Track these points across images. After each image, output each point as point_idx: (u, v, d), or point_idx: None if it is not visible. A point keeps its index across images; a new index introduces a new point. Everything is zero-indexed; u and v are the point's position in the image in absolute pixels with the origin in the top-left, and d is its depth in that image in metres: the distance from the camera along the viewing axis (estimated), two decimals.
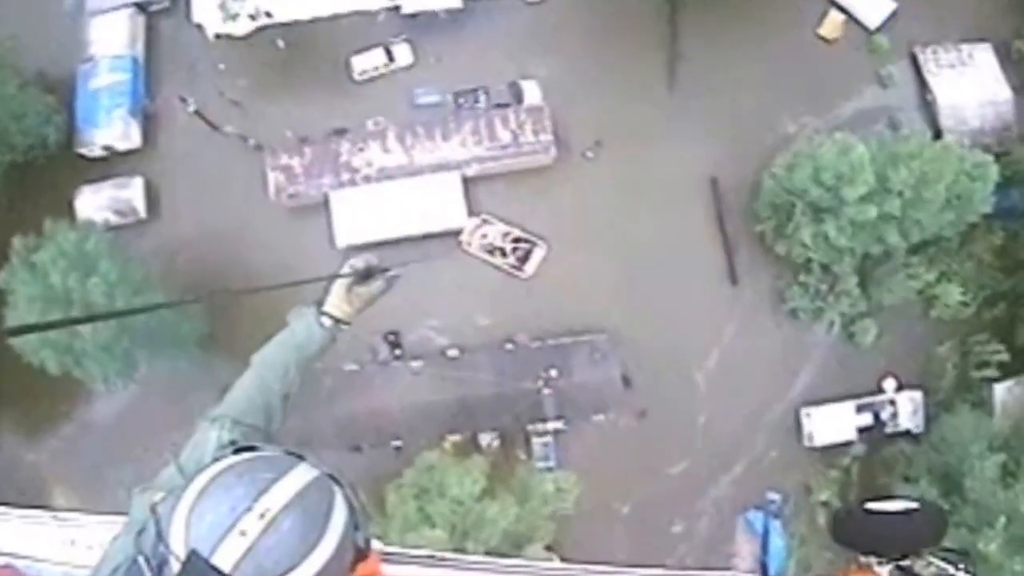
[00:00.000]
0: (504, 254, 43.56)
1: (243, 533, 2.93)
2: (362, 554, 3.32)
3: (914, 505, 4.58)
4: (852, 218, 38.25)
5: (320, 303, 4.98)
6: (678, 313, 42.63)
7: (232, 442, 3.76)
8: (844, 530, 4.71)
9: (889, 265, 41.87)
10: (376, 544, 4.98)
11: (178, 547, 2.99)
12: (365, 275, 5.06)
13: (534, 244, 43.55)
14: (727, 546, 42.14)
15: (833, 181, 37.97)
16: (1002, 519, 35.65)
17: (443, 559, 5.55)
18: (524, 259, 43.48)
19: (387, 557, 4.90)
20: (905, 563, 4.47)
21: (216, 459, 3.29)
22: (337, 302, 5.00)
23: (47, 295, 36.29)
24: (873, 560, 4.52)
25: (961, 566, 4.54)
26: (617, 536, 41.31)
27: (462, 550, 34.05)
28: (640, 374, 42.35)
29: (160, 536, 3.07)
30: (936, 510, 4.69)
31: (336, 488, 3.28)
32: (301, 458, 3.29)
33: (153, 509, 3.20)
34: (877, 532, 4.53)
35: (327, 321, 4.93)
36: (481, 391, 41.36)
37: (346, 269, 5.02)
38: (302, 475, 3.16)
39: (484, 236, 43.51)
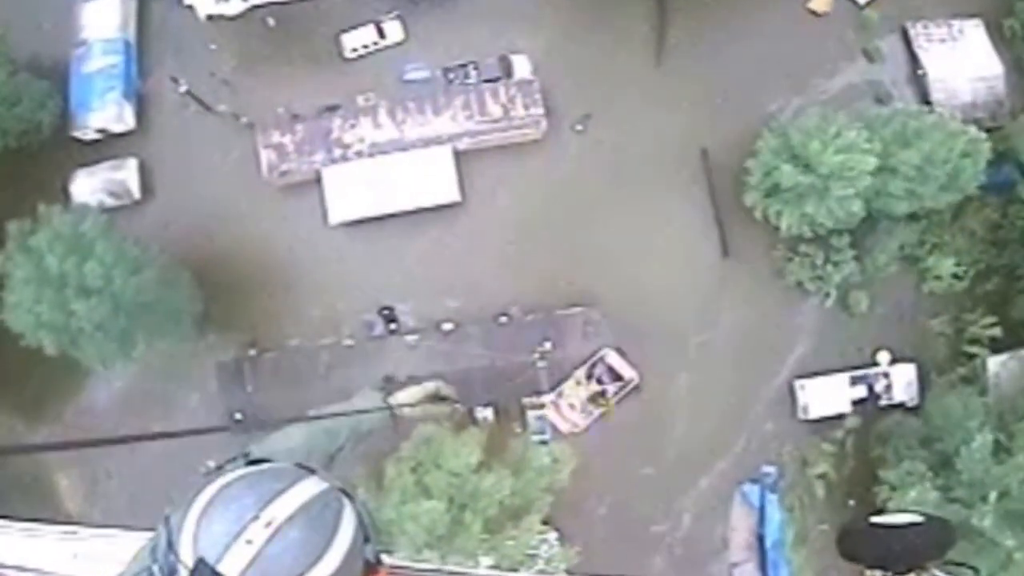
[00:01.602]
0: (603, 392, 42.61)
1: (249, 542, 2.94)
2: (372, 569, 3.32)
3: (919, 519, 4.58)
4: (832, 203, 38.37)
5: (388, 392, 5.20)
6: (670, 285, 42.83)
7: (245, 454, 3.72)
8: (850, 544, 4.70)
9: (880, 230, 41.92)
10: (385, 558, 5.01)
11: (186, 555, 3.01)
12: (439, 399, 5.38)
13: (603, 357, 42.81)
14: (723, 520, 42.16)
15: (826, 169, 38.06)
16: (994, 494, 35.80)
17: (448, 572, 5.58)
18: (618, 376, 42.62)
19: (393, 571, 4.91)
20: None
21: (229, 469, 3.31)
22: (405, 400, 5.28)
23: (42, 278, 36.35)
24: (879, 574, 4.52)
25: None
26: (612, 511, 41.51)
27: (459, 521, 34.29)
28: (633, 347, 42.49)
29: (170, 545, 3.09)
30: (941, 524, 4.68)
31: (346, 501, 3.27)
32: (312, 472, 3.29)
33: (166, 519, 3.20)
34: (882, 546, 4.53)
35: (387, 411, 5.19)
36: (476, 365, 41.47)
37: (430, 387, 5.39)
38: (310, 487, 3.16)
39: (572, 405, 42.61)
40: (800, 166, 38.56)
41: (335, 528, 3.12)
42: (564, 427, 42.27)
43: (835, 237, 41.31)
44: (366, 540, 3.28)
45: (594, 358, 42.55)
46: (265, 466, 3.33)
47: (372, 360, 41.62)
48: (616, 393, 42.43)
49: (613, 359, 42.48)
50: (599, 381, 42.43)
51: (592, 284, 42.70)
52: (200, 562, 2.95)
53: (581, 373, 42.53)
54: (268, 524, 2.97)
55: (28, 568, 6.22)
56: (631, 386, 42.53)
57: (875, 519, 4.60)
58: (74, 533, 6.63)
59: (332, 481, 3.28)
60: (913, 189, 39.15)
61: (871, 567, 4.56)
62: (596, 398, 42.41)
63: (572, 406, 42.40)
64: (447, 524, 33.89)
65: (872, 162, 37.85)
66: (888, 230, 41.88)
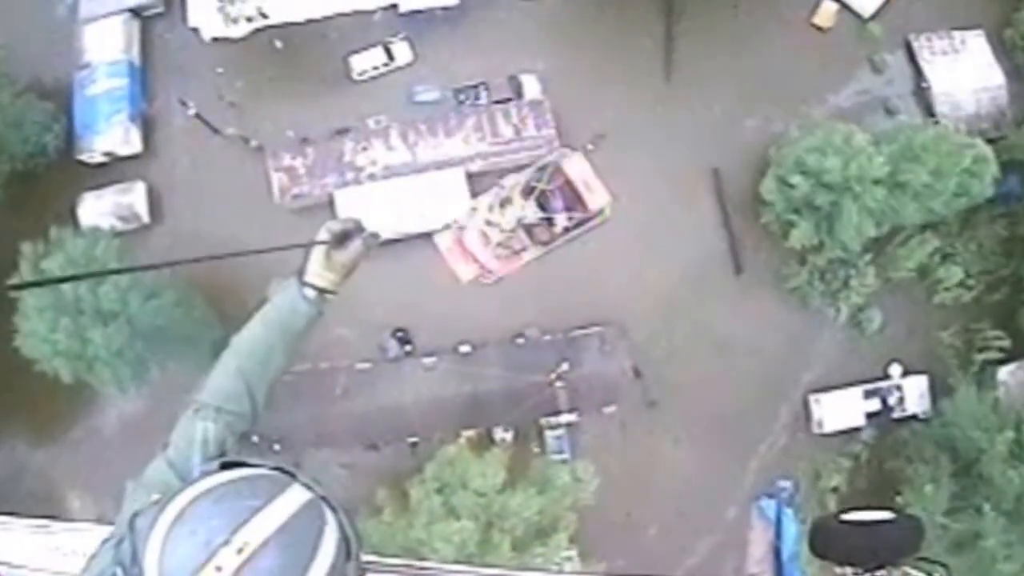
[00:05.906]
0: (549, 222, 40.72)
1: (219, 569, 2.72)
2: None
3: (889, 516, 4.59)
4: (847, 213, 38.50)
5: (301, 273, 4.54)
6: (685, 302, 42.87)
7: (222, 453, 3.49)
8: (819, 540, 4.71)
9: (894, 243, 42.13)
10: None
11: (151, 574, 2.83)
12: (343, 238, 4.59)
13: (558, 164, 41.96)
14: (741, 533, 42.25)
15: (840, 177, 38.15)
16: (1011, 499, 36.15)
17: (422, 567, 5.42)
18: (576, 202, 40.61)
19: (367, 566, 4.77)
20: (880, 573, 4.49)
21: (202, 473, 3.09)
22: (319, 270, 4.55)
23: (57, 303, 36.09)
24: (849, 571, 4.53)
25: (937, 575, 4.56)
26: (634, 526, 41.63)
27: (488, 540, 34.43)
28: (649, 364, 42.55)
29: (135, 557, 2.91)
30: (912, 521, 4.68)
31: (328, 515, 3.01)
32: (292, 476, 3.05)
33: (132, 523, 3.02)
34: (852, 543, 4.53)
35: (310, 292, 4.51)
36: (493, 386, 41.41)
37: (322, 233, 4.55)
38: (288, 503, 2.91)
39: (486, 236, 42.15)
40: (812, 179, 38.67)
41: (314, 552, 2.87)
42: (464, 272, 38.35)
43: (850, 253, 41.46)
44: (348, 556, 3.01)
45: (545, 162, 38.50)
46: (242, 473, 3.05)
47: (388, 382, 41.53)
48: (568, 230, 38.69)
49: (574, 168, 37.94)
50: (542, 205, 39.12)
51: (608, 303, 42.59)
52: None
53: (517, 186, 38.71)
54: (240, 550, 2.74)
55: (12, 564, 6.15)
56: (593, 223, 38.76)
57: (846, 516, 4.61)
58: (46, 527, 6.57)
59: (315, 490, 3.03)
60: (923, 204, 39.30)
61: (841, 564, 4.58)
62: (533, 231, 39.25)
63: (486, 237, 39.82)
64: (476, 543, 34.04)
65: (881, 164, 37.97)
66: (904, 246, 42.05)
